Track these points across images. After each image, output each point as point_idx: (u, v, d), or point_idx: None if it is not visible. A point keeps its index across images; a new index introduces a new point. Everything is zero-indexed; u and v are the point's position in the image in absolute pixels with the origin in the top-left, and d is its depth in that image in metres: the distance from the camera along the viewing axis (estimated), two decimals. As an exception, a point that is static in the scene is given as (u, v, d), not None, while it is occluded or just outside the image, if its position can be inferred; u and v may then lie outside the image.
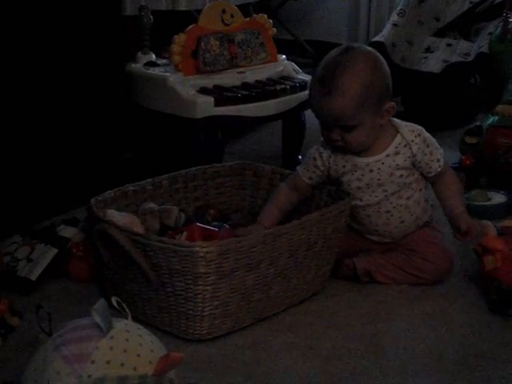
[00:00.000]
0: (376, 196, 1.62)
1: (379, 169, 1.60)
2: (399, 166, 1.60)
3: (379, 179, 1.61)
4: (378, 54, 1.59)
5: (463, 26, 3.00)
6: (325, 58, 1.58)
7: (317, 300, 1.61)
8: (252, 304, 1.48)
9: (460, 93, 2.73)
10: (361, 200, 1.63)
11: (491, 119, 2.21)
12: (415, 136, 1.60)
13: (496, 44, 2.67)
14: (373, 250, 1.69)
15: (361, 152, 1.60)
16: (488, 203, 2.03)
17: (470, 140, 2.22)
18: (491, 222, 1.69)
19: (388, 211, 1.63)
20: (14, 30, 1.85)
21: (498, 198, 2.05)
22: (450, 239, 1.77)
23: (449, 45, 2.95)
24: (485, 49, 2.74)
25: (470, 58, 2.83)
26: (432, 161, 1.61)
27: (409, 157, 1.60)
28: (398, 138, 1.60)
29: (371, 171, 1.60)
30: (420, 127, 1.63)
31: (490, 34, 2.76)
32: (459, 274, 1.69)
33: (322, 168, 1.64)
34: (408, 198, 1.63)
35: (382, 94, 1.55)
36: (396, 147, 1.60)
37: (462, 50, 2.90)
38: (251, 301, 1.48)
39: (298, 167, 1.69)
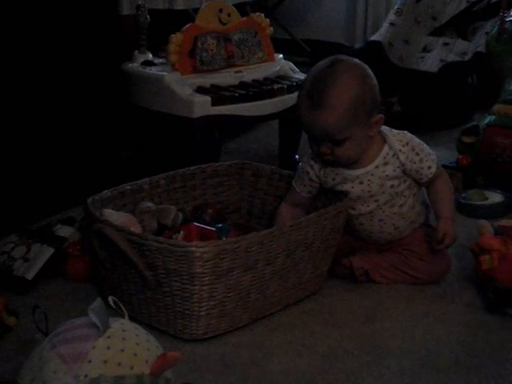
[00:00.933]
0: (368, 206, 1.62)
1: (369, 180, 1.59)
2: (389, 177, 1.59)
3: (369, 191, 1.60)
4: (366, 66, 1.56)
5: (460, 26, 3.00)
6: (312, 71, 1.55)
7: (314, 299, 1.61)
8: (249, 304, 1.48)
9: (457, 92, 2.74)
10: (353, 209, 1.63)
11: (488, 118, 2.21)
12: (403, 145, 1.58)
13: (493, 43, 2.67)
14: (369, 249, 1.69)
15: (350, 165, 1.59)
16: (485, 202, 2.03)
17: (466, 139, 2.22)
18: (488, 221, 1.69)
19: (381, 219, 1.63)
20: (12, 30, 1.85)
21: (495, 197, 2.05)
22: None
23: (446, 44, 2.96)
24: (482, 48, 2.75)
25: (466, 58, 2.84)
26: (422, 168, 1.60)
27: (398, 166, 1.59)
28: (386, 149, 1.59)
29: (361, 183, 1.60)
30: (409, 135, 1.61)
31: (487, 33, 2.76)
32: (456, 274, 1.69)
33: (317, 179, 1.64)
34: (401, 206, 1.63)
35: (371, 107, 1.53)
36: (384, 157, 1.59)
37: (459, 49, 2.91)
38: (248, 301, 1.48)
39: (293, 183, 1.67)
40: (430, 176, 1.61)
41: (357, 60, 1.58)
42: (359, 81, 1.52)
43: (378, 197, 1.60)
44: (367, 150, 1.58)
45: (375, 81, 1.56)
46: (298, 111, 1.56)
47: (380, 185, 1.59)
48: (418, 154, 1.59)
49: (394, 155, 1.59)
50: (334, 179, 1.61)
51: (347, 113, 1.49)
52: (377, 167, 1.59)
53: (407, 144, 1.59)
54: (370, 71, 1.56)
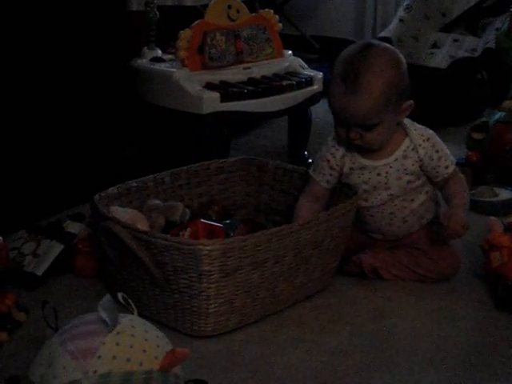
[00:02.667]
0: (381, 198, 1.61)
1: (387, 172, 1.59)
2: (407, 171, 1.59)
3: (386, 183, 1.60)
4: (399, 52, 1.58)
5: (470, 22, 2.98)
6: (344, 55, 1.55)
7: (323, 296, 1.61)
8: (257, 301, 1.48)
9: (466, 88, 2.73)
10: (366, 201, 1.62)
11: (498, 115, 2.20)
12: (423, 140, 1.59)
13: (503, 39, 2.66)
14: (378, 246, 1.69)
15: (370, 154, 1.59)
16: (495, 199, 2.02)
17: (476, 136, 2.21)
18: (498, 218, 1.68)
19: (392, 213, 1.63)
20: (21, 26, 1.86)
21: (505, 193, 2.04)
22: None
23: (455, 40, 2.94)
24: (491, 44, 2.74)
25: (476, 54, 2.82)
26: (439, 166, 1.59)
27: (416, 161, 1.59)
28: (407, 142, 1.59)
29: (379, 174, 1.60)
30: (431, 132, 1.61)
31: (497, 29, 2.75)
32: (465, 271, 1.69)
33: (337, 168, 1.62)
34: (412, 201, 1.63)
35: (403, 92, 1.54)
36: (404, 151, 1.59)
37: (469, 45, 2.89)
38: (257, 298, 1.48)
39: (311, 173, 1.66)
40: (445, 176, 1.60)
41: (388, 45, 1.59)
42: (392, 66, 1.53)
43: (393, 190, 1.60)
44: (390, 139, 1.58)
45: (406, 66, 1.57)
46: (329, 96, 1.55)
47: (397, 178, 1.59)
48: (437, 152, 1.59)
49: (413, 149, 1.59)
50: (351, 168, 1.61)
51: (381, 98, 1.50)
52: (396, 160, 1.59)
53: (428, 140, 1.59)
54: (401, 56, 1.57)
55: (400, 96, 1.54)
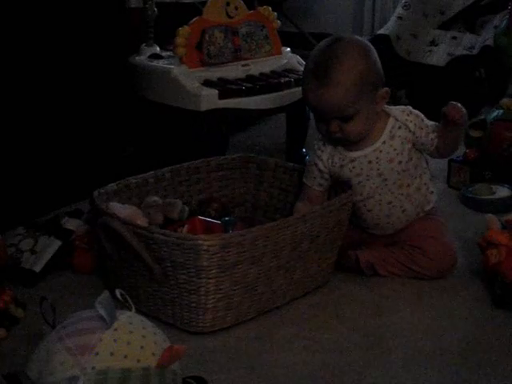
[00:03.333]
0: (377, 187, 1.62)
1: (377, 158, 1.61)
2: (397, 151, 1.60)
3: (378, 169, 1.61)
4: (368, 42, 1.61)
5: (468, 19, 2.99)
6: (314, 51, 1.59)
7: (320, 293, 1.61)
8: (255, 297, 1.48)
9: (464, 86, 2.73)
10: (361, 194, 1.63)
11: (496, 113, 2.20)
12: (407, 114, 1.62)
13: (501, 37, 2.67)
14: (376, 243, 1.69)
15: (358, 144, 1.60)
16: (492, 197, 2.03)
17: (474, 133, 2.22)
18: (495, 215, 1.68)
19: (390, 202, 1.64)
20: (19, 23, 1.85)
21: (503, 191, 2.04)
22: (454, 233, 1.77)
23: (454, 38, 2.94)
24: (490, 42, 2.74)
25: (474, 52, 2.83)
26: (429, 132, 1.61)
27: (405, 138, 1.61)
28: (391, 122, 1.61)
29: (370, 162, 1.61)
30: (408, 106, 1.64)
31: (496, 27, 2.76)
32: (463, 268, 1.69)
33: (326, 170, 1.64)
34: (408, 186, 1.64)
35: (376, 81, 1.57)
36: (390, 131, 1.61)
37: (467, 43, 2.90)
38: (254, 294, 1.48)
39: (304, 179, 1.68)
40: (436, 139, 1.61)
41: (357, 37, 1.63)
42: (362, 56, 1.55)
43: (387, 175, 1.61)
44: (373, 127, 1.59)
45: (377, 56, 1.59)
46: (304, 92, 1.58)
47: (388, 161, 1.60)
48: (423, 120, 1.62)
49: (400, 127, 1.61)
50: (341, 166, 1.62)
51: (354, 87, 1.52)
52: (384, 143, 1.60)
53: (411, 113, 1.62)
54: (371, 47, 1.59)
55: (374, 85, 1.56)
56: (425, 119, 1.63)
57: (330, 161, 1.64)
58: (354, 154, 1.61)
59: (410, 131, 1.61)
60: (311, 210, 1.52)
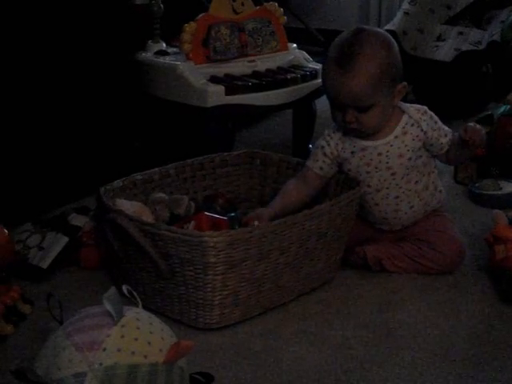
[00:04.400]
0: (385, 180, 1.62)
1: (388, 151, 1.61)
2: (408, 147, 1.61)
3: (387, 162, 1.61)
4: (390, 36, 1.62)
5: (475, 14, 2.97)
6: (337, 40, 1.60)
7: (327, 289, 1.61)
8: (262, 293, 1.48)
9: (471, 81, 2.72)
10: (369, 186, 1.63)
11: (502, 108, 2.20)
12: (422, 114, 1.63)
13: (508, 32, 2.66)
14: (383, 239, 1.69)
15: (369, 136, 1.61)
16: (499, 192, 2.02)
17: (481, 129, 2.21)
18: (502, 211, 1.68)
19: (397, 197, 1.63)
20: (25, 19, 1.86)
21: (509, 187, 2.04)
22: (462, 229, 1.77)
23: (460, 33, 2.93)
24: (497, 37, 2.73)
25: (481, 47, 2.82)
26: (441, 136, 1.62)
27: (417, 136, 1.61)
28: (405, 118, 1.62)
29: (379, 154, 1.61)
30: (424, 106, 1.65)
31: (502, 22, 2.74)
32: (470, 264, 1.69)
33: (331, 156, 1.65)
34: (416, 183, 1.64)
35: (395, 75, 1.58)
36: (403, 127, 1.61)
37: (474, 38, 2.88)
38: (261, 290, 1.48)
39: (306, 161, 1.69)
40: (449, 143, 1.62)
41: (380, 29, 1.65)
42: (385, 48, 1.57)
43: (395, 169, 1.61)
44: (387, 121, 1.61)
45: (398, 49, 1.61)
46: (324, 79, 1.60)
47: (398, 156, 1.61)
48: (436, 123, 1.63)
49: (413, 124, 1.61)
50: (352, 152, 1.63)
51: (374, 78, 1.54)
52: (396, 137, 1.61)
53: (425, 112, 1.63)
54: (393, 40, 1.61)
55: (393, 78, 1.58)
56: (439, 122, 1.64)
57: (339, 146, 1.64)
58: (365, 143, 1.62)
59: (421, 130, 1.61)
60: (319, 206, 1.51)
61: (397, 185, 1.63)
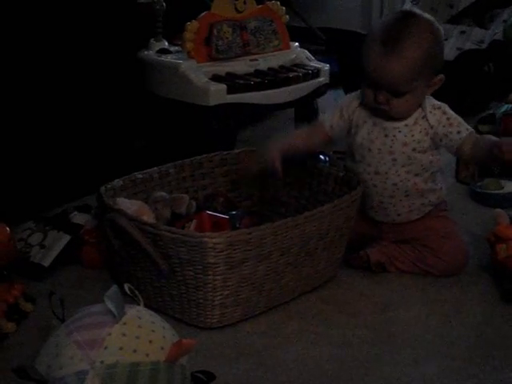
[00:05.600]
0: (384, 163, 1.61)
1: (394, 136, 1.60)
2: (414, 138, 1.60)
3: (391, 146, 1.60)
4: (440, 26, 1.60)
5: (477, 13, 2.97)
6: (384, 21, 1.59)
7: (328, 288, 1.61)
8: (263, 293, 1.48)
9: (473, 80, 2.72)
10: (369, 165, 1.63)
11: (505, 107, 2.20)
12: (434, 108, 1.61)
13: (510, 31, 2.66)
14: (385, 238, 1.68)
15: (398, 119, 1.60)
16: (501, 191, 2.02)
17: (483, 128, 2.21)
18: (504, 210, 1.68)
19: (395, 184, 1.62)
20: (28, 17, 1.86)
21: (511, 186, 2.04)
22: (463, 228, 1.77)
23: (462, 32, 2.93)
24: (499, 36, 2.73)
25: (483, 46, 2.81)
26: (451, 132, 1.59)
27: (425, 129, 1.60)
28: (419, 110, 1.61)
29: (386, 136, 1.61)
30: (444, 103, 1.63)
31: (505, 21, 2.74)
32: (472, 263, 1.68)
33: (346, 117, 1.65)
34: (417, 175, 1.62)
35: (437, 64, 1.57)
36: (416, 118, 1.60)
37: (476, 37, 2.88)
38: (262, 290, 1.48)
39: (320, 117, 1.70)
40: (459, 141, 1.59)
41: (430, 16, 1.61)
42: (432, 37, 1.55)
43: (396, 155, 1.60)
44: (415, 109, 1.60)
45: (443, 41, 1.60)
46: (366, 57, 1.56)
47: (403, 144, 1.60)
48: (448, 119, 1.60)
49: (423, 117, 1.60)
50: (365, 122, 1.62)
51: (417, 65, 1.52)
52: (406, 125, 1.60)
53: (439, 108, 1.61)
54: (441, 30, 1.59)
55: (434, 69, 1.57)
56: (454, 120, 1.60)
57: (356, 113, 1.64)
58: (377, 120, 1.61)
59: (429, 125, 1.60)
60: (321, 208, 1.50)
61: (396, 171, 1.62)
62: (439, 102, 1.63)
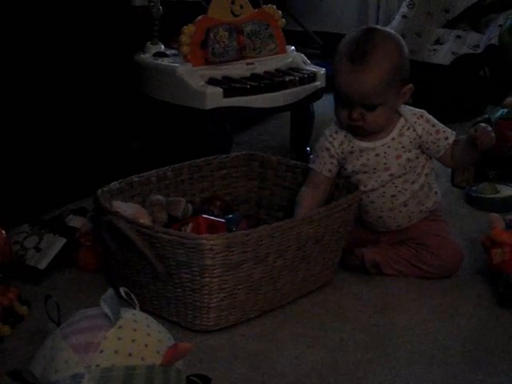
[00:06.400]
0: (382, 180, 1.63)
1: (385, 152, 1.61)
2: (405, 148, 1.61)
3: (385, 163, 1.62)
4: (400, 37, 1.63)
5: (473, 18, 2.98)
6: (350, 37, 1.60)
7: (324, 292, 1.61)
8: (259, 296, 1.49)
9: (469, 85, 2.72)
10: (365, 185, 1.63)
11: (500, 112, 2.20)
12: (417, 118, 1.63)
13: (506, 36, 2.66)
14: (381, 241, 1.69)
15: (367, 137, 1.62)
16: (496, 196, 2.03)
17: (478, 132, 2.21)
18: (499, 214, 1.68)
19: (393, 195, 1.64)
20: (24, 20, 1.86)
21: (507, 190, 2.05)
22: (459, 232, 1.77)
23: (458, 36, 2.94)
24: (494, 41, 2.73)
25: (479, 50, 2.82)
26: (439, 139, 1.62)
27: (414, 138, 1.62)
28: (402, 121, 1.63)
29: (377, 155, 1.62)
30: (422, 110, 1.65)
31: (500, 25, 2.75)
32: (467, 267, 1.69)
33: (337, 156, 1.65)
34: (413, 183, 1.64)
35: (405, 75, 1.60)
36: (400, 130, 1.62)
37: (472, 41, 2.89)
38: (258, 293, 1.48)
39: (311, 166, 1.69)
40: (447, 147, 1.62)
41: (391, 30, 1.67)
42: (398, 48, 1.59)
43: (393, 170, 1.62)
44: (390, 122, 1.61)
45: (407, 51, 1.63)
46: (335, 75, 1.59)
47: (396, 157, 1.61)
48: (433, 126, 1.63)
49: (409, 128, 1.62)
50: (351, 152, 1.63)
51: (385, 78, 1.55)
52: (393, 139, 1.62)
53: (422, 116, 1.64)
54: (403, 41, 1.63)
55: (402, 79, 1.59)
56: (438, 125, 1.63)
57: (340, 148, 1.64)
58: (363, 144, 1.63)
59: (417, 134, 1.62)
60: (317, 211, 1.52)
61: (393, 184, 1.63)
62: (418, 110, 1.65)
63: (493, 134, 1.57)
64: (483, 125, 1.57)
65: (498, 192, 2.04)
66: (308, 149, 2.33)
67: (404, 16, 3.00)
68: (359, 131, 1.61)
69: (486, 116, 2.26)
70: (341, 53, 1.59)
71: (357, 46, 1.56)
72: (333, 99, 1.62)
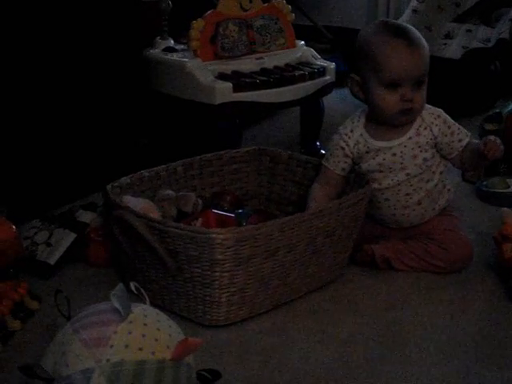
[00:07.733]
0: (398, 179, 1.62)
1: (402, 152, 1.61)
2: (421, 148, 1.61)
3: (402, 163, 1.61)
4: None
5: (483, 12, 2.97)
6: (381, 25, 1.62)
7: (335, 286, 1.61)
8: (270, 291, 1.48)
9: (480, 79, 2.71)
10: (380, 184, 1.63)
11: (511, 106, 2.19)
12: (435, 118, 1.62)
13: (517, 30, 2.65)
14: (392, 236, 1.69)
15: (384, 135, 1.61)
16: (507, 190, 2.02)
17: (489, 127, 2.21)
18: (510, 209, 1.67)
19: (407, 194, 1.63)
20: (33, 16, 1.86)
21: (518, 185, 2.04)
22: (469, 227, 1.77)
23: (469, 31, 2.93)
24: (505, 35, 2.72)
25: (490, 44, 2.81)
26: (453, 142, 1.61)
27: (431, 138, 1.61)
28: (419, 120, 1.62)
29: (394, 155, 1.61)
30: (439, 109, 1.65)
31: (511, 19, 2.73)
32: (478, 262, 1.68)
33: (351, 155, 1.65)
34: (428, 181, 1.64)
35: None
36: (417, 129, 1.61)
37: (482, 35, 2.88)
38: (269, 287, 1.48)
39: (325, 162, 1.68)
40: (459, 150, 1.62)
41: None
42: None
43: (410, 169, 1.61)
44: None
45: None
46: (389, 55, 1.57)
47: (413, 156, 1.61)
48: (449, 128, 1.62)
49: (425, 128, 1.61)
50: (367, 152, 1.62)
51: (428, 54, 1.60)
52: (410, 138, 1.61)
53: (439, 117, 1.63)
54: None
55: None
56: (454, 126, 1.62)
57: (356, 147, 1.64)
58: (379, 144, 1.62)
59: (433, 135, 1.61)
60: (327, 205, 1.51)
61: (409, 182, 1.63)
62: (435, 108, 1.64)
63: (502, 147, 1.55)
64: (492, 138, 1.55)
65: (509, 186, 2.03)
66: (318, 143, 2.33)
67: (414, 10, 2.99)
68: (409, 115, 1.59)
69: (497, 110, 2.25)
70: (383, 39, 1.57)
71: (393, 28, 1.59)
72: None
